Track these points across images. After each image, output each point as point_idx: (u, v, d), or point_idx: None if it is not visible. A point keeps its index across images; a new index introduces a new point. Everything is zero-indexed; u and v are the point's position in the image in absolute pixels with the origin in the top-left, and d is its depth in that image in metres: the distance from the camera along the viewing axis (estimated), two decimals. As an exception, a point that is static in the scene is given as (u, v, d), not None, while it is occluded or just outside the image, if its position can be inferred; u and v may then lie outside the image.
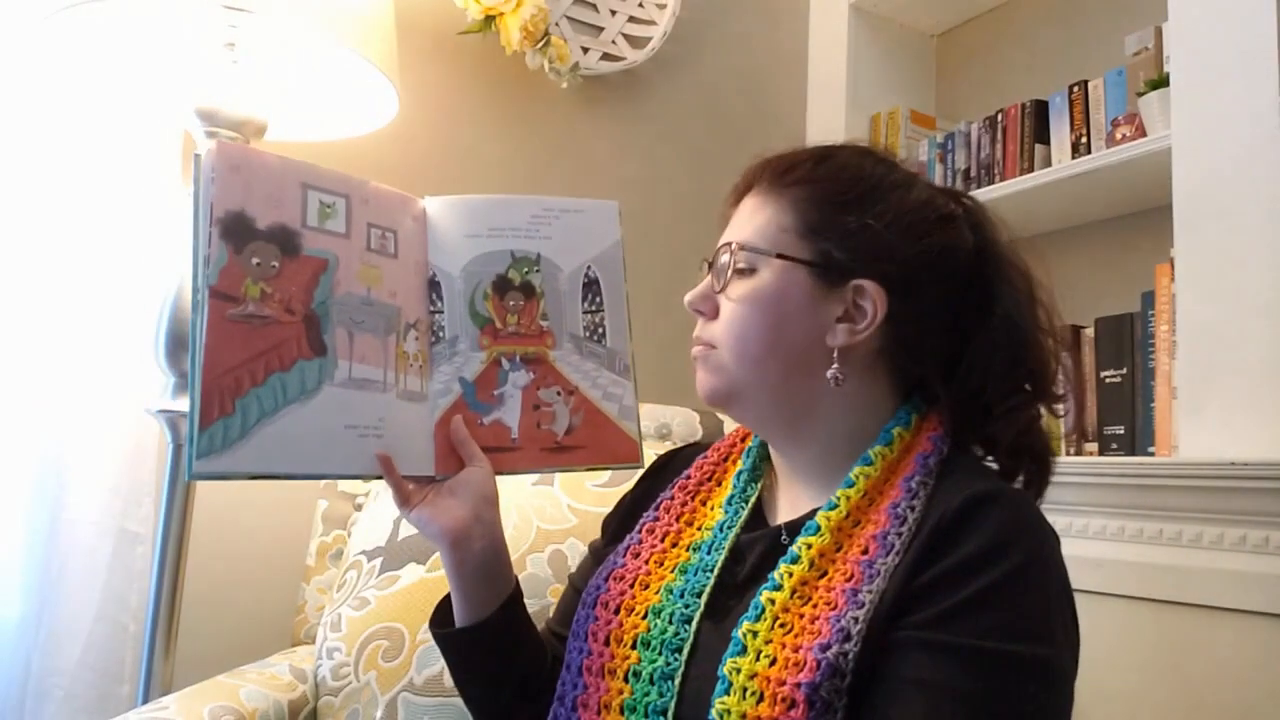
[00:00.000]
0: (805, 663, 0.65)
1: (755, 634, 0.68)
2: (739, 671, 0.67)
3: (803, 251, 0.78)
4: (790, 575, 0.71)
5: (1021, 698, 0.64)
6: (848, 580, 0.69)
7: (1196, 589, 1.27)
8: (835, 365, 0.77)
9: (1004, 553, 0.67)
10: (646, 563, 0.82)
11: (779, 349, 0.78)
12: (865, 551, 0.70)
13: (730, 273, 0.80)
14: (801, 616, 0.68)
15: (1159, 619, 1.31)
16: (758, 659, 0.67)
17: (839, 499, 0.74)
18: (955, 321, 0.80)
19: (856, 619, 0.66)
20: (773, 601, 0.70)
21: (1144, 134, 1.57)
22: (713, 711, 0.67)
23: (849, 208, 0.78)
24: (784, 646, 0.67)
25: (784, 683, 0.65)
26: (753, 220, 0.81)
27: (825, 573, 0.71)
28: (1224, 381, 1.31)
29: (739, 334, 0.79)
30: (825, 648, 0.65)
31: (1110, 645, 1.36)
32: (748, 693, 0.66)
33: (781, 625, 0.68)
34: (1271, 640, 1.20)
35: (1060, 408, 0.83)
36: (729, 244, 0.81)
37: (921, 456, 0.75)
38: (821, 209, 0.79)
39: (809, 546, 0.72)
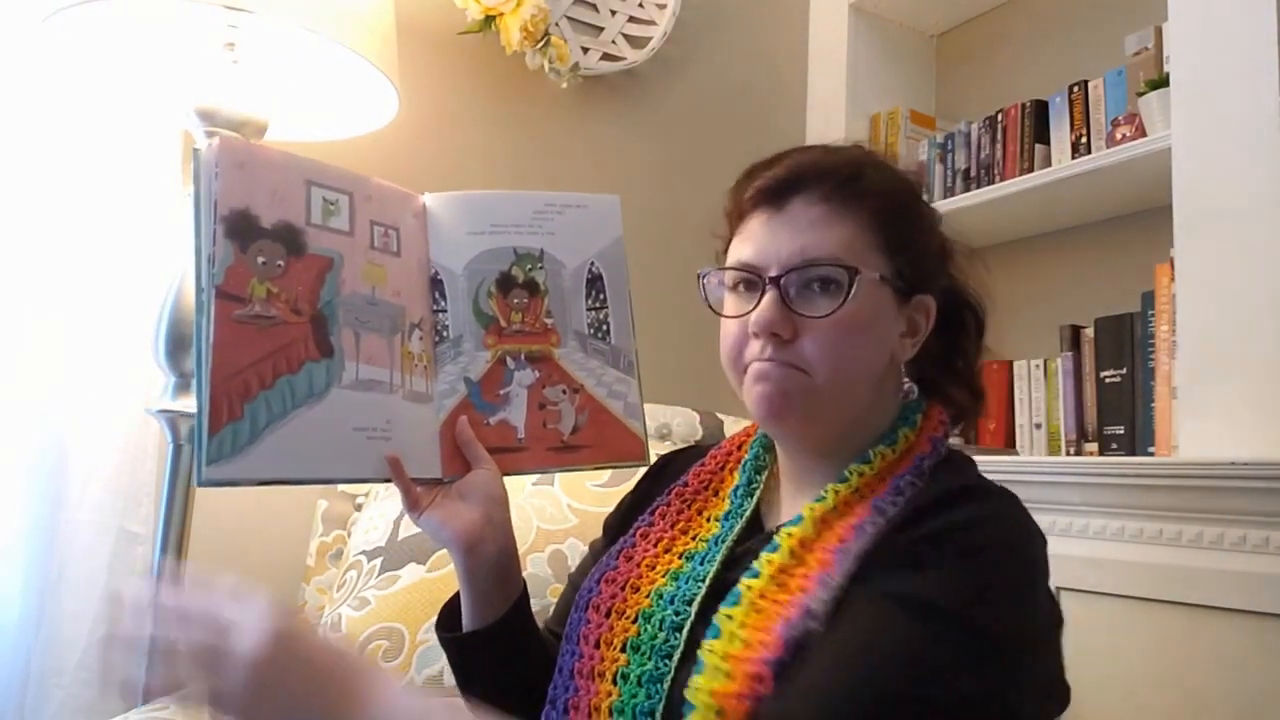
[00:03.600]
0: (772, 642, 0.66)
1: (731, 618, 0.69)
2: (713, 653, 0.68)
3: (888, 269, 0.77)
4: (770, 564, 0.72)
5: (942, 653, 0.63)
6: (823, 568, 0.70)
7: (1197, 589, 1.27)
8: (908, 382, 0.79)
9: (972, 530, 0.68)
10: (638, 566, 0.82)
11: (871, 371, 0.78)
12: (842, 540, 0.71)
13: (840, 296, 0.74)
14: (776, 602, 0.69)
15: (1159, 619, 1.31)
16: (731, 641, 0.68)
17: (828, 493, 0.75)
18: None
19: (824, 601, 0.67)
20: (750, 588, 0.71)
21: (1144, 134, 1.57)
22: (687, 692, 0.67)
23: (912, 223, 0.80)
24: (756, 629, 0.68)
25: (751, 660, 0.66)
26: (830, 234, 0.76)
27: (803, 561, 0.71)
28: (1224, 381, 1.31)
29: (842, 360, 0.75)
30: (791, 627, 0.66)
31: (1110, 645, 1.36)
32: (719, 672, 0.67)
33: (757, 610, 0.69)
34: (1271, 640, 1.20)
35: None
36: (828, 261, 0.75)
37: (919, 458, 0.76)
38: (894, 224, 0.78)
39: (790, 536, 0.73)
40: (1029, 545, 0.71)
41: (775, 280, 0.75)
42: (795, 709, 0.62)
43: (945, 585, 0.65)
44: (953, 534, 0.67)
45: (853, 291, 0.74)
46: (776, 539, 0.73)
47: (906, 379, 0.80)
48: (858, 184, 0.77)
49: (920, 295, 0.79)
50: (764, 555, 0.72)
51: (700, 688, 0.66)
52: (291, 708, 0.61)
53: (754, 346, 0.77)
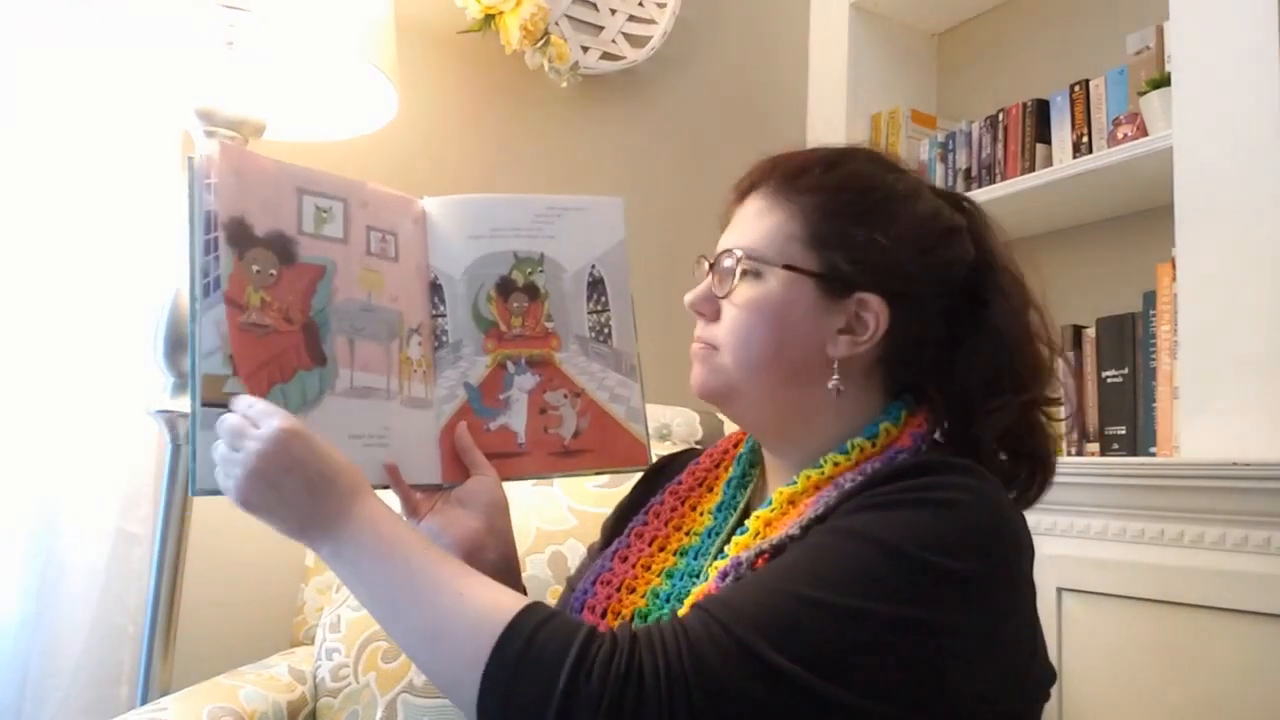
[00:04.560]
0: (710, 590, 0.69)
1: (694, 593, 0.71)
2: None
3: (809, 262, 0.77)
4: (737, 545, 0.73)
5: (877, 577, 0.63)
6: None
7: (1198, 590, 1.27)
8: (836, 377, 0.77)
9: (930, 488, 0.67)
10: (633, 567, 0.82)
11: (781, 358, 0.77)
12: (801, 515, 0.71)
13: (735, 278, 0.78)
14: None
15: (1159, 619, 1.31)
16: (684, 607, 0.70)
17: (799, 478, 0.75)
18: (949, 328, 0.79)
19: (753, 552, 0.69)
20: (715, 567, 0.72)
21: (1145, 133, 1.57)
22: None
23: (858, 220, 0.77)
24: (700, 591, 0.70)
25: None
26: (759, 224, 0.79)
27: (766, 538, 0.72)
28: (1226, 381, 1.31)
29: (741, 340, 0.78)
30: (724, 575, 0.69)
31: (1110, 645, 1.36)
32: None
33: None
34: (1272, 640, 1.19)
35: (1058, 410, 0.83)
36: (734, 249, 0.79)
37: (895, 451, 0.75)
38: (830, 220, 0.77)
39: (758, 518, 0.74)
40: (991, 511, 0.69)
41: (711, 266, 0.81)
42: (727, 597, 0.64)
43: (895, 525, 0.65)
44: (908, 489, 0.67)
45: (738, 274, 0.77)
46: (747, 522, 0.75)
47: (835, 375, 0.77)
48: (799, 180, 0.79)
49: (862, 293, 0.76)
50: (734, 538, 0.74)
51: None
52: (284, 504, 0.69)
53: (698, 325, 0.82)
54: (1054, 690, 0.76)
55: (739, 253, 0.78)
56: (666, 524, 0.85)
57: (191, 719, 0.99)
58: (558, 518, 1.24)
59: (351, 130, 1.44)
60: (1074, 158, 1.70)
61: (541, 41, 1.73)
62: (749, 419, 0.83)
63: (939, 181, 1.96)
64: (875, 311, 0.76)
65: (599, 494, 1.26)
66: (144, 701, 1.19)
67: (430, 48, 1.71)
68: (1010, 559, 0.69)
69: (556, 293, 0.88)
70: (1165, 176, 1.44)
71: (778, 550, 0.68)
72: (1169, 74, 1.51)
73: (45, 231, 1.29)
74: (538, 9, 1.68)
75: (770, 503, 0.75)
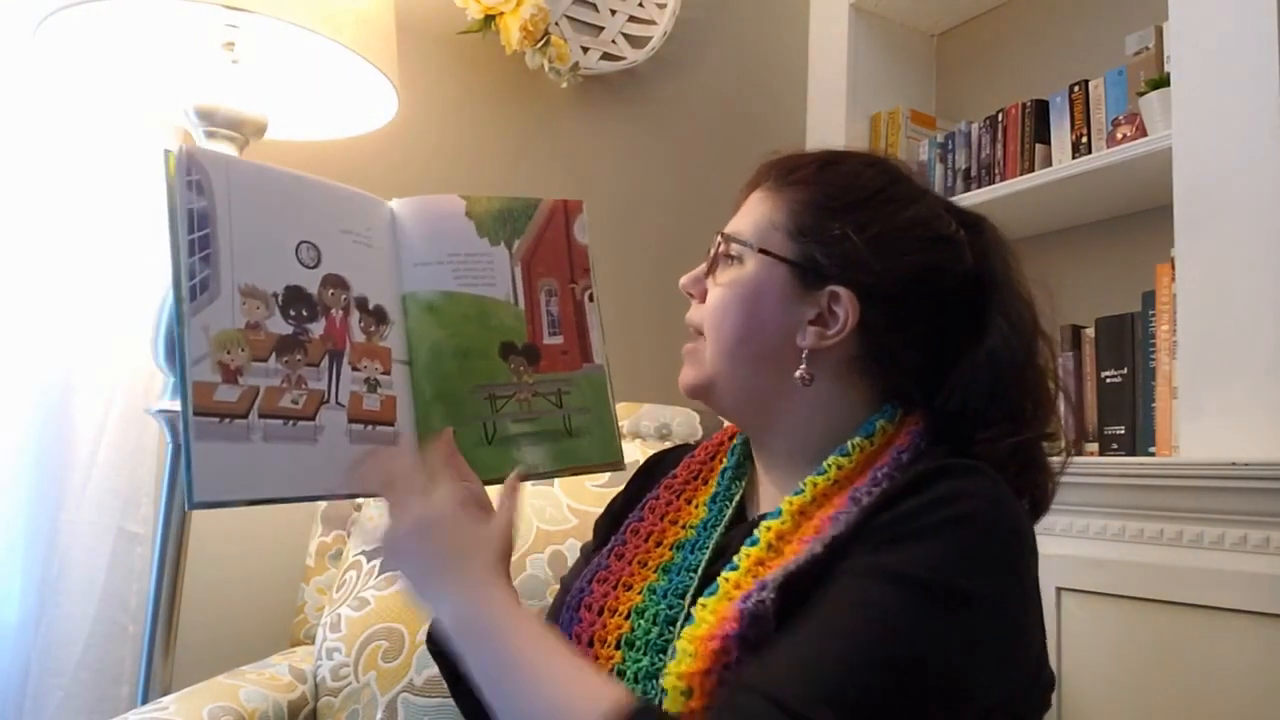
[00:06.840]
0: (730, 615, 0.67)
1: (705, 606, 0.70)
2: (684, 639, 0.69)
3: (787, 250, 0.79)
4: (748, 557, 0.72)
5: (931, 621, 0.63)
6: (794, 557, 0.70)
7: (1197, 589, 1.27)
8: (803, 366, 0.78)
9: (949, 504, 0.67)
10: (630, 563, 0.82)
11: (751, 340, 0.79)
12: (818, 531, 0.71)
13: (719, 260, 0.82)
14: (740, 587, 0.70)
15: (1159, 619, 1.31)
16: (699, 626, 0.69)
17: (806, 486, 0.75)
18: (942, 341, 0.79)
19: (778, 576, 0.67)
20: (727, 580, 0.71)
21: (1144, 134, 1.57)
22: (663, 680, 0.67)
23: (837, 214, 0.79)
24: (717, 611, 0.69)
25: (714, 637, 0.66)
26: (751, 214, 0.82)
27: (780, 553, 0.72)
28: (1225, 381, 1.31)
29: (717, 321, 0.81)
30: (746, 599, 0.67)
31: (1110, 645, 1.36)
32: (686, 655, 0.67)
33: (729, 599, 0.70)
34: (1271, 640, 1.20)
35: (1055, 450, 0.82)
36: (721, 233, 0.83)
37: (897, 450, 0.75)
38: (813, 212, 0.79)
39: (769, 529, 0.73)
40: (1008, 520, 0.70)
41: (708, 252, 0.84)
42: (777, 670, 0.63)
43: (923, 558, 0.65)
44: (929, 509, 0.67)
45: (720, 257, 0.81)
46: (756, 533, 0.74)
47: (803, 364, 0.78)
48: (791, 175, 0.82)
49: (835, 287, 0.77)
50: (744, 548, 0.73)
51: (669, 673, 0.66)
52: (429, 569, 0.73)
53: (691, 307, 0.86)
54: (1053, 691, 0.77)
55: (723, 236, 0.82)
56: (661, 518, 0.85)
57: (192, 718, 1.00)
58: (558, 518, 1.25)
59: (351, 130, 1.44)
60: (1073, 158, 1.71)
61: (542, 42, 1.73)
62: (728, 408, 0.84)
63: (938, 182, 1.96)
64: (846, 306, 0.77)
65: (599, 494, 1.26)
66: (144, 701, 1.19)
67: (430, 48, 1.71)
68: (1027, 567, 0.70)
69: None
70: (1164, 177, 1.44)
71: (803, 573, 0.68)
72: (1168, 74, 1.51)
73: (45, 231, 1.29)
74: (538, 9, 1.68)
75: (779, 512, 0.74)
